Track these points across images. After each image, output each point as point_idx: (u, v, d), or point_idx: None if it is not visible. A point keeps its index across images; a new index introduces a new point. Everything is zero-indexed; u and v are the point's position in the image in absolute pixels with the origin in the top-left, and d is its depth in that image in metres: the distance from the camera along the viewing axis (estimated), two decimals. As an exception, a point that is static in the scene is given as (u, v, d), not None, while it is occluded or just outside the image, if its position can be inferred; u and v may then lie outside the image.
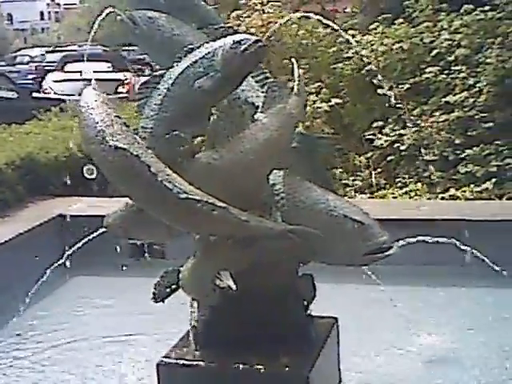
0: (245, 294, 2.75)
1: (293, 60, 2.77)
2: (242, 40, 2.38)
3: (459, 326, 3.62)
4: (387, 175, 6.14)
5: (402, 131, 6.08)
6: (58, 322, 4.15)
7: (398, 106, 6.38)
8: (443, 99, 6.26)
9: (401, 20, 7.19)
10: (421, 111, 6.33)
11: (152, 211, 2.33)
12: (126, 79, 15.73)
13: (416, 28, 7.10)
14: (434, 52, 6.75)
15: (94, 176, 6.26)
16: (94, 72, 15.35)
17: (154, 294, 2.82)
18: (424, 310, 3.79)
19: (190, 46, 2.53)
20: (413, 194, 5.41)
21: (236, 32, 2.86)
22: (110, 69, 16.23)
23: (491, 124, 5.88)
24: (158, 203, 2.27)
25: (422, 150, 5.98)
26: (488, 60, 6.13)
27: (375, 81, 6.31)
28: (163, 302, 2.83)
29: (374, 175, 6.13)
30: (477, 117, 5.94)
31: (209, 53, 2.45)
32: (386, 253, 2.62)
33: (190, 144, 2.43)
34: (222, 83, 2.42)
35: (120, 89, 15.14)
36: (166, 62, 2.96)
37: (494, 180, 5.29)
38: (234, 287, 2.77)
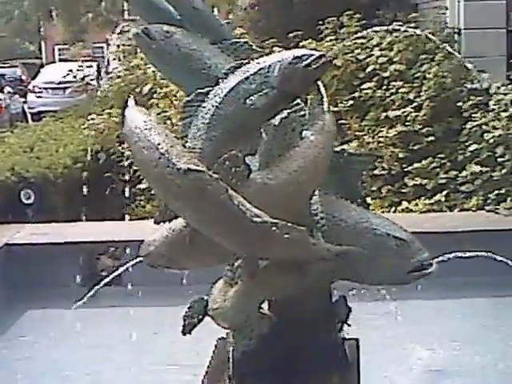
0: (282, 320, 2.65)
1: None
2: (304, 55, 2.27)
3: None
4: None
5: (345, 146, 6.14)
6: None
7: (339, 121, 6.44)
8: (383, 114, 6.38)
9: (332, 37, 7.28)
10: (359, 127, 6.41)
11: (222, 235, 2.17)
12: None
13: (346, 45, 7.20)
14: (370, 68, 6.88)
15: (31, 201, 5.91)
16: None
17: (183, 326, 2.65)
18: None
19: (238, 62, 2.39)
20: (365, 208, 5.43)
21: (251, 47, 2.77)
22: None
23: (432, 138, 6.05)
24: (231, 227, 2.12)
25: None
26: (427, 75, 6.33)
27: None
28: (190, 333, 2.67)
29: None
30: (421, 131, 6.09)
31: (262, 68, 2.31)
32: (428, 270, 2.60)
33: (243, 164, 2.30)
34: (277, 100, 2.30)
35: None
36: (180, 78, 2.82)
37: (444, 192, 5.43)
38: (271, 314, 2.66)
